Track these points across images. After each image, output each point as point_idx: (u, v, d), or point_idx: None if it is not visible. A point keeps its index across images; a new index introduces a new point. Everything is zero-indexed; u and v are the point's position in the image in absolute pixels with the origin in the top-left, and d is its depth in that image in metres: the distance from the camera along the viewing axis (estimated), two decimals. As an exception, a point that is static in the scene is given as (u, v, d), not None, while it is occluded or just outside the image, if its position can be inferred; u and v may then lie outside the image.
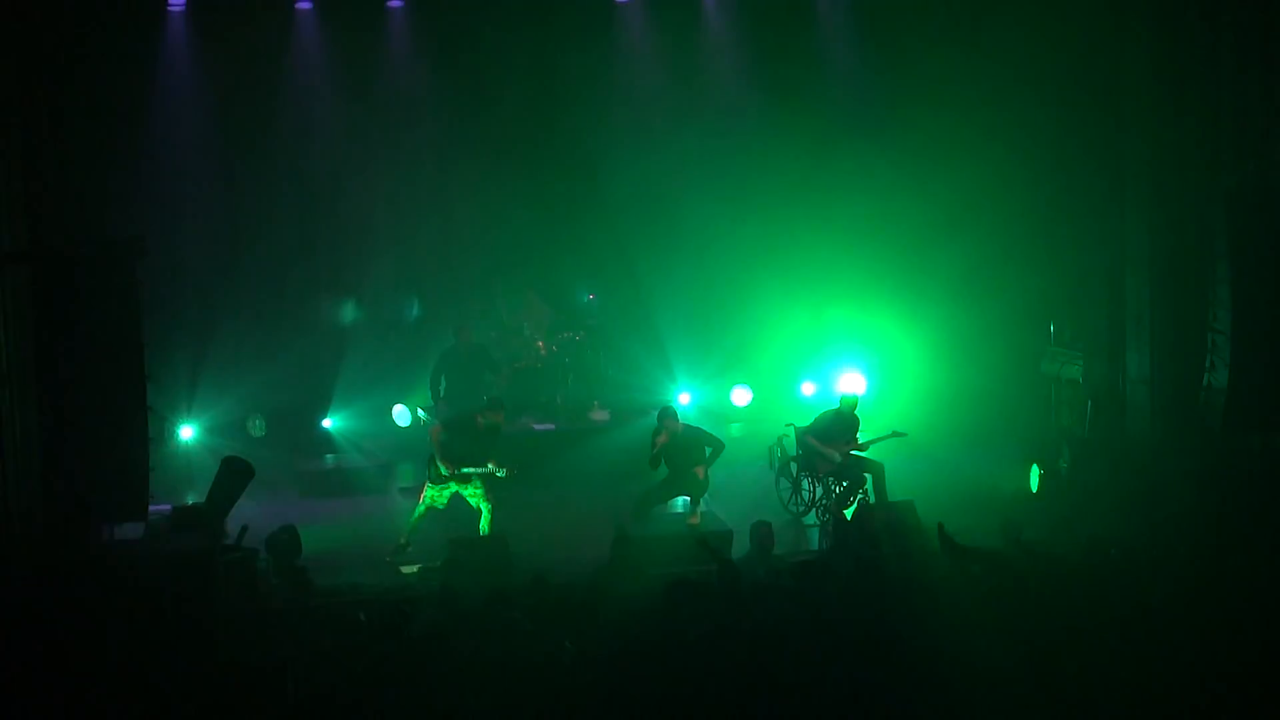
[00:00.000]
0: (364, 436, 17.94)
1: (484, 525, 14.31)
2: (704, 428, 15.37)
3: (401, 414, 18.02)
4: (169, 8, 17.92)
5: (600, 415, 18.22)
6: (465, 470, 14.28)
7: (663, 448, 14.72)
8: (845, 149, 19.08)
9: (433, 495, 14.48)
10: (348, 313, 19.10)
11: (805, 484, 15.70)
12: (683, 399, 19.18)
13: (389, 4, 18.78)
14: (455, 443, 14.41)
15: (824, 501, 15.45)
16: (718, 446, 14.87)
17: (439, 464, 14.37)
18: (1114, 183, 16.11)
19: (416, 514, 14.51)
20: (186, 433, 17.91)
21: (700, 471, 14.64)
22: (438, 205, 19.07)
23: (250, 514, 14.37)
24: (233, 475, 14.06)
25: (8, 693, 9.20)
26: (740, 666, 8.78)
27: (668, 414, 14.92)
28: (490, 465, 14.31)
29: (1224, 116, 14.64)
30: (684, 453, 14.68)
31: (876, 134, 18.85)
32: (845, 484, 15.29)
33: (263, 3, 18.22)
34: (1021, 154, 17.32)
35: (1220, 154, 14.66)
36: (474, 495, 14.40)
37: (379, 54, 18.72)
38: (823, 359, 19.87)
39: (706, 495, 14.90)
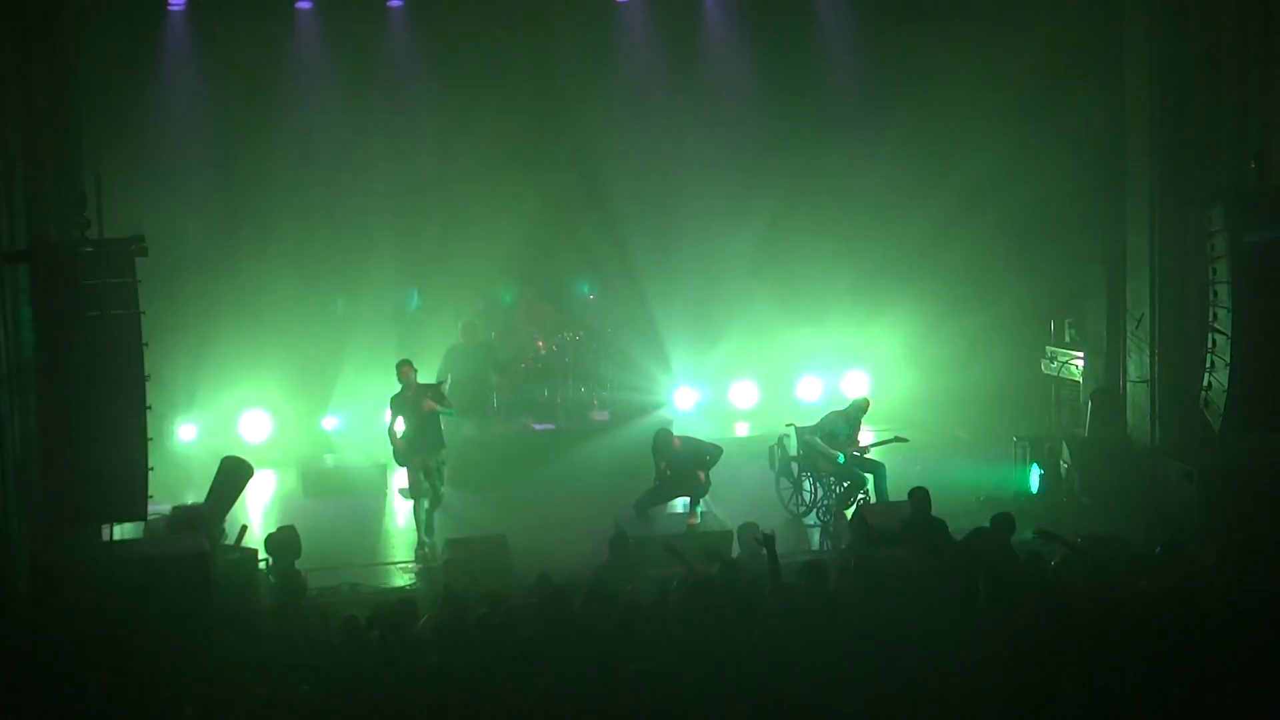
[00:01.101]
0: (364, 436, 17.91)
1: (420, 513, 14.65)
2: (701, 435, 15.41)
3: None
4: (169, 8, 17.93)
5: (600, 415, 18.21)
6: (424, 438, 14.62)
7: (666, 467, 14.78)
8: (845, 149, 19.08)
9: (416, 482, 14.62)
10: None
11: (806, 484, 15.69)
12: (685, 401, 19.17)
13: (389, 4, 18.78)
14: (407, 421, 14.65)
15: (825, 502, 15.45)
16: (716, 453, 14.89)
17: (400, 451, 14.65)
18: (1114, 183, 16.11)
19: (420, 510, 14.61)
20: (186, 432, 17.92)
21: (701, 475, 14.65)
22: (438, 205, 19.05)
23: (250, 514, 14.39)
24: (232, 475, 14.07)
25: (8, 693, 9.19)
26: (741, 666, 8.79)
27: (663, 438, 14.89)
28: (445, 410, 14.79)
29: (1224, 116, 14.63)
30: (685, 463, 14.71)
31: (877, 134, 18.85)
32: (846, 484, 15.29)
33: (263, 3, 18.22)
34: (1022, 155, 17.31)
35: (1220, 154, 14.66)
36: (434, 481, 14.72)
37: (379, 54, 18.71)
38: (823, 359, 19.89)
39: (708, 499, 14.91)
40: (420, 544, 14.54)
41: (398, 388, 14.84)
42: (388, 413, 14.90)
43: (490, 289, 19.31)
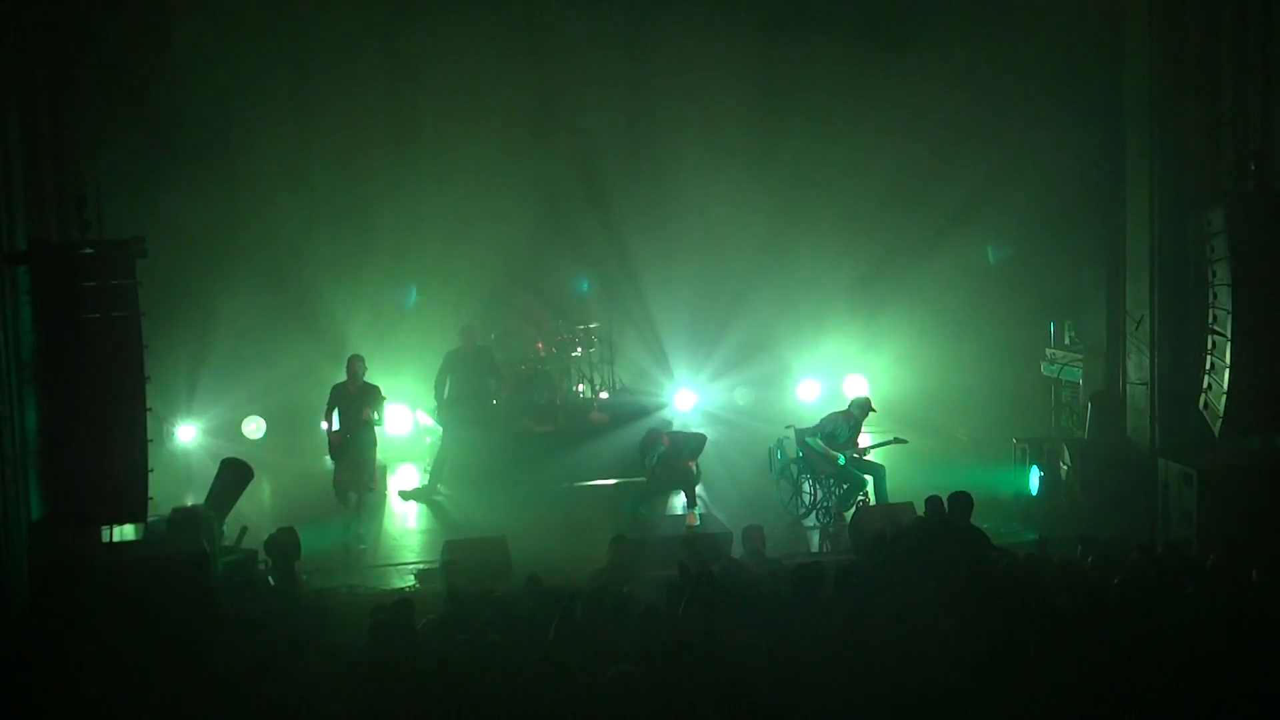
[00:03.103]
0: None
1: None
2: (691, 427, 15.49)
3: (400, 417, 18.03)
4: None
5: (599, 417, 18.21)
6: (355, 430, 14.93)
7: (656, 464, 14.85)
8: (845, 150, 19.08)
9: (344, 480, 14.95)
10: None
11: (805, 486, 15.68)
12: (685, 402, 19.18)
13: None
14: (341, 413, 15.01)
15: (824, 504, 15.45)
16: (700, 441, 15.11)
17: (334, 445, 15.00)
18: (1114, 185, 16.11)
19: (350, 506, 14.97)
20: (186, 434, 17.92)
21: (692, 465, 14.69)
22: (437, 206, 19.05)
23: (249, 516, 14.39)
24: (232, 477, 14.06)
25: (7, 694, 9.18)
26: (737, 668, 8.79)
27: (652, 437, 15.05)
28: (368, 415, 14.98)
29: (1224, 118, 14.64)
30: (675, 456, 14.77)
31: (877, 135, 18.85)
32: (846, 486, 15.29)
33: (263, 3, 18.22)
34: (1021, 156, 17.32)
35: (1220, 155, 14.67)
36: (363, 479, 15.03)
37: (379, 52, 18.70)
38: (823, 361, 19.90)
39: (705, 496, 14.91)
40: (356, 540, 14.76)
41: (389, 389, 15.28)
42: (330, 414, 15.16)
43: (489, 290, 19.33)
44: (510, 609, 10.47)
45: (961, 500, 12.45)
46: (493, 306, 19.28)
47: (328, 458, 15.45)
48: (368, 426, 15.05)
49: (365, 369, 15.22)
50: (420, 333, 19.02)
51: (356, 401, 15.04)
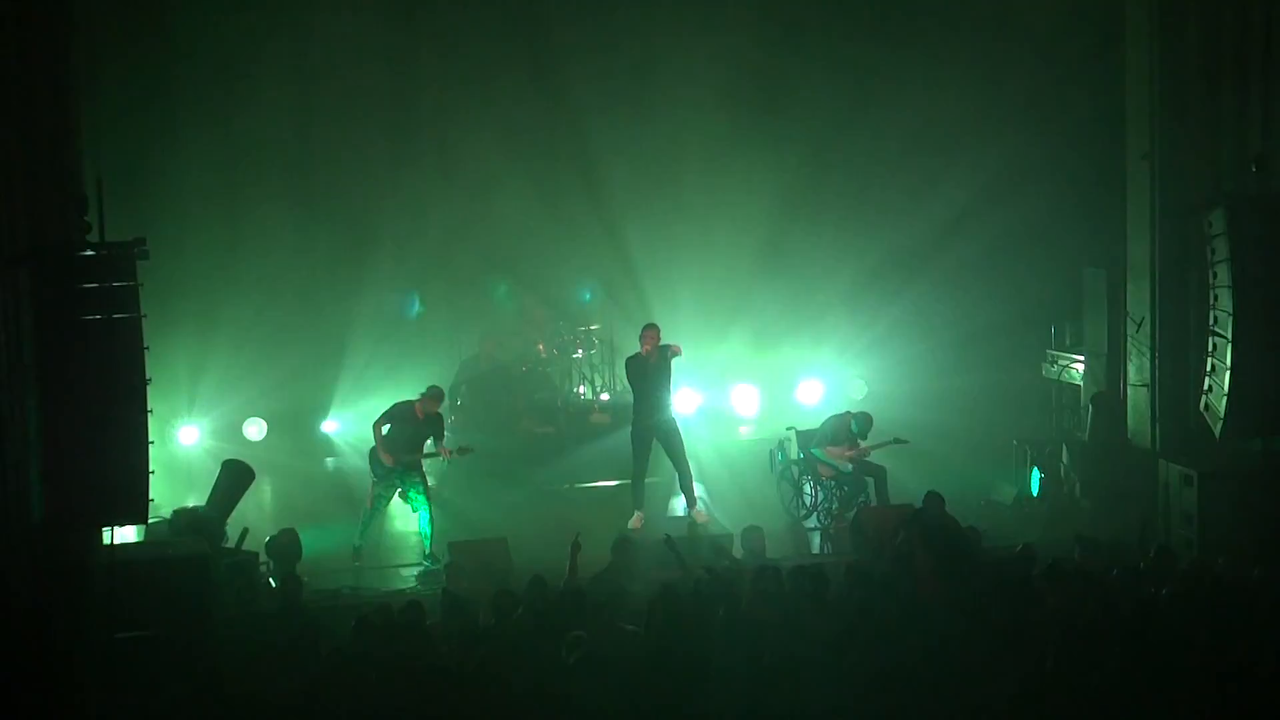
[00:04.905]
0: (364, 440, 17.89)
1: (423, 526, 14.30)
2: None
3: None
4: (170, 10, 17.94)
5: (600, 418, 18.21)
6: (406, 459, 14.26)
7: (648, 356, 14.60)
8: (847, 152, 19.09)
9: (379, 494, 14.45)
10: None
11: (806, 488, 15.69)
12: (687, 404, 19.17)
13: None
14: (396, 433, 14.37)
15: (825, 505, 15.46)
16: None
17: (379, 458, 14.34)
18: (1115, 186, 16.12)
19: (367, 518, 14.51)
20: (187, 435, 17.92)
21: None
22: (438, 206, 19.05)
23: (250, 517, 14.40)
24: (233, 478, 14.07)
25: (7, 695, 9.19)
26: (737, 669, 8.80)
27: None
28: (430, 446, 14.36)
29: (1225, 120, 14.64)
30: (660, 369, 14.56)
31: (878, 137, 18.86)
32: (847, 488, 15.30)
33: (263, 3, 18.23)
34: (1023, 158, 17.34)
35: (1221, 157, 14.67)
36: (416, 498, 14.35)
37: (379, 49, 18.71)
38: (824, 362, 19.90)
39: (705, 497, 14.90)
40: (359, 547, 14.40)
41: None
42: (382, 424, 14.58)
43: (490, 291, 19.35)
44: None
45: (930, 499, 12.88)
46: (494, 307, 19.29)
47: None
48: (418, 452, 14.41)
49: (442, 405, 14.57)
50: (422, 334, 19.03)
51: (421, 432, 14.36)
